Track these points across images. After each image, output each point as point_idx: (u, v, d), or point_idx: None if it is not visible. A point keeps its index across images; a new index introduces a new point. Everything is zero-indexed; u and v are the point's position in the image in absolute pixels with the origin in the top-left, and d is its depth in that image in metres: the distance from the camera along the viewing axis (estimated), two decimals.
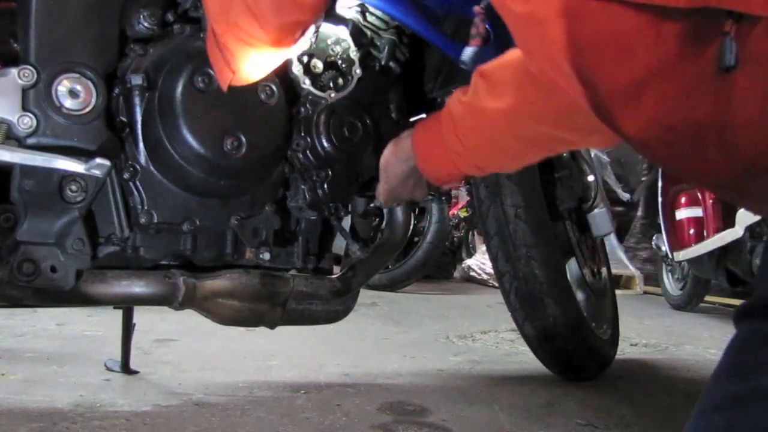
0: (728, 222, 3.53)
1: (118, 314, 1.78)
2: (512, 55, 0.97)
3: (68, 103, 1.12)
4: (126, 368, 1.80)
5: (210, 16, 1.03)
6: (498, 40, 1.32)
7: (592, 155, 2.20)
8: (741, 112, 0.63)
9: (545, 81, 0.78)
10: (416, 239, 4.30)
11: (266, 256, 1.30)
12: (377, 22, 1.38)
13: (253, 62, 1.06)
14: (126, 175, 1.19)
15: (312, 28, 1.15)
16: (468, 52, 0.92)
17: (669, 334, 3.25)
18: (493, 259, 1.99)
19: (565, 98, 0.77)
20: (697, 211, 3.87)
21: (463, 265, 5.83)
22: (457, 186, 1.31)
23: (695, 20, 0.62)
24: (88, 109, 1.14)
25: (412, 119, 1.50)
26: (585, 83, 0.71)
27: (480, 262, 5.52)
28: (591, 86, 0.71)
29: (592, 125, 0.85)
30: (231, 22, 0.99)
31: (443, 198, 1.54)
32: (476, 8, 0.86)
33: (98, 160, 1.09)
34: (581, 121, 0.91)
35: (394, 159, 1.24)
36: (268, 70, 1.11)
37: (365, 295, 2.94)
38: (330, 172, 1.33)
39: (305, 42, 1.23)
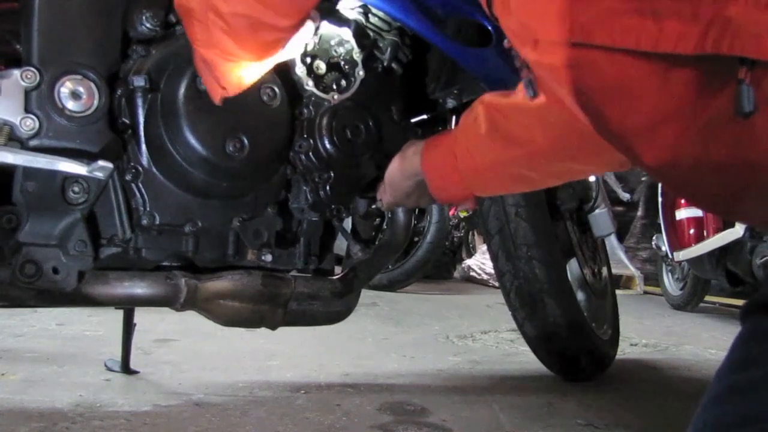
0: (728, 222, 3.53)
1: (119, 314, 1.78)
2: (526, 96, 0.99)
3: (71, 104, 1.12)
4: (126, 368, 1.80)
5: (193, 39, 1.05)
6: (499, 41, 1.32)
7: None
8: (763, 152, 0.65)
9: (574, 123, 0.81)
10: (416, 239, 4.30)
11: (268, 257, 1.30)
12: (380, 24, 1.38)
13: (241, 75, 1.08)
14: (128, 177, 1.19)
15: (311, 29, 1.16)
16: (527, 84, 0.94)
17: (669, 334, 3.25)
18: (494, 258, 2.00)
19: (593, 139, 0.79)
20: (697, 211, 3.87)
21: (463, 265, 5.83)
22: (469, 207, 1.34)
23: (704, 66, 0.63)
24: (90, 111, 1.13)
25: (413, 120, 1.50)
26: (598, 125, 0.73)
27: (480, 262, 5.52)
28: (604, 128, 0.73)
29: (618, 159, 0.90)
30: (213, 44, 1.02)
31: None
32: (506, 43, 0.89)
33: (100, 162, 1.09)
34: (609, 157, 0.95)
35: (400, 175, 1.26)
36: (257, 77, 1.12)
37: (365, 295, 2.93)
38: (332, 174, 1.33)
39: (301, 45, 1.23)
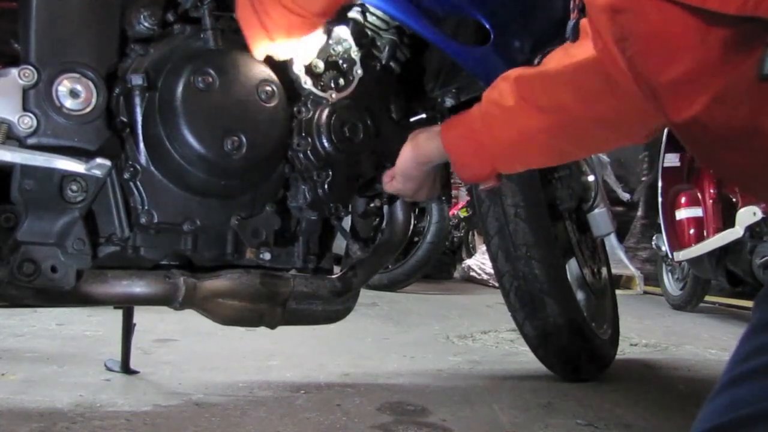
0: (728, 222, 3.53)
1: (118, 314, 1.78)
2: (558, 64, 0.99)
3: (69, 103, 1.12)
4: (126, 368, 1.80)
5: None
6: (498, 40, 1.33)
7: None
8: None
9: (607, 84, 0.82)
10: (416, 239, 4.30)
11: (267, 256, 1.30)
12: (378, 23, 1.38)
13: (294, 29, 1.09)
14: (126, 175, 1.19)
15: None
16: (570, 25, 0.95)
17: (669, 334, 3.24)
18: (493, 258, 1.99)
19: (631, 104, 0.82)
20: (697, 211, 3.86)
21: (463, 265, 5.83)
22: (493, 185, 1.31)
23: (742, 28, 0.65)
24: (88, 109, 1.13)
25: (412, 119, 1.50)
26: (634, 73, 0.76)
27: (480, 262, 5.52)
28: (640, 76, 0.75)
29: (647, 127, 0.92)
30: None
31: (443, 198, 1.54)
32: None
33: (99, 160, 1.09)
34: (648, 122, 0.96)
35: (414, 163, 1.25)
36: (303, 36, 1.14)
37: (365, 295, 2.94)
38: (330, 173, 1.32)
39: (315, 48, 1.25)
